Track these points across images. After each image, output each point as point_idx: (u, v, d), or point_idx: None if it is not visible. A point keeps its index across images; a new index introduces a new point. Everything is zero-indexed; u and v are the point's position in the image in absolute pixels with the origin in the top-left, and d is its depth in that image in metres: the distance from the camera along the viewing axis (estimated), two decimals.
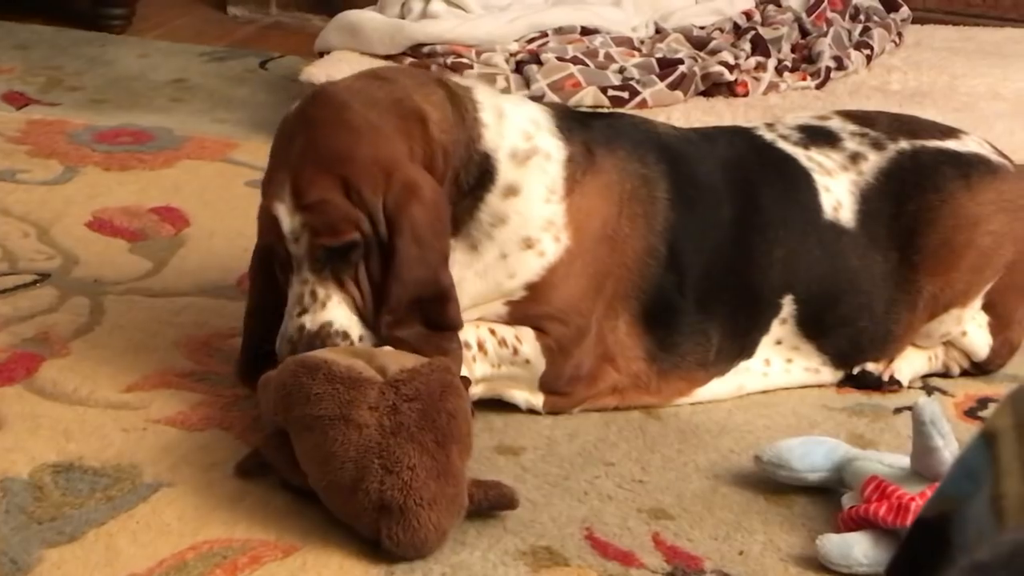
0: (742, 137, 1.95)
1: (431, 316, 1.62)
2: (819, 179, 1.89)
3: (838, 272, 1.86)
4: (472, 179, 1.69)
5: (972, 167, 1.92)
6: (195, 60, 3.34)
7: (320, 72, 2.65)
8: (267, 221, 1.63)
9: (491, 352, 1.71)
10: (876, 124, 1.98)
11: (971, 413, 1.84)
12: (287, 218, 1.60)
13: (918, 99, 2.79)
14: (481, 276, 1.71)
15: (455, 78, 1.78)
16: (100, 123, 2.79)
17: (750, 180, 1.87)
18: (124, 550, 1.40)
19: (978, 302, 1.90)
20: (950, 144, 1.95)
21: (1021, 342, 1.96)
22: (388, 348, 1.58)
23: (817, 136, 1.95)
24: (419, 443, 1.43)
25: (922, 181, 1.89)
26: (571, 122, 1.80)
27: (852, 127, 1.97)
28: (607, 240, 1.75)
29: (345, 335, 1.60)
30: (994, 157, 1.97)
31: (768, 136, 1.95)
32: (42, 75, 3.16)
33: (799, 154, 1.92)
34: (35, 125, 2.76)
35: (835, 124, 1.99)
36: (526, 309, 1.72)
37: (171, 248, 2.20)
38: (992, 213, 1.88)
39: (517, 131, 1.73)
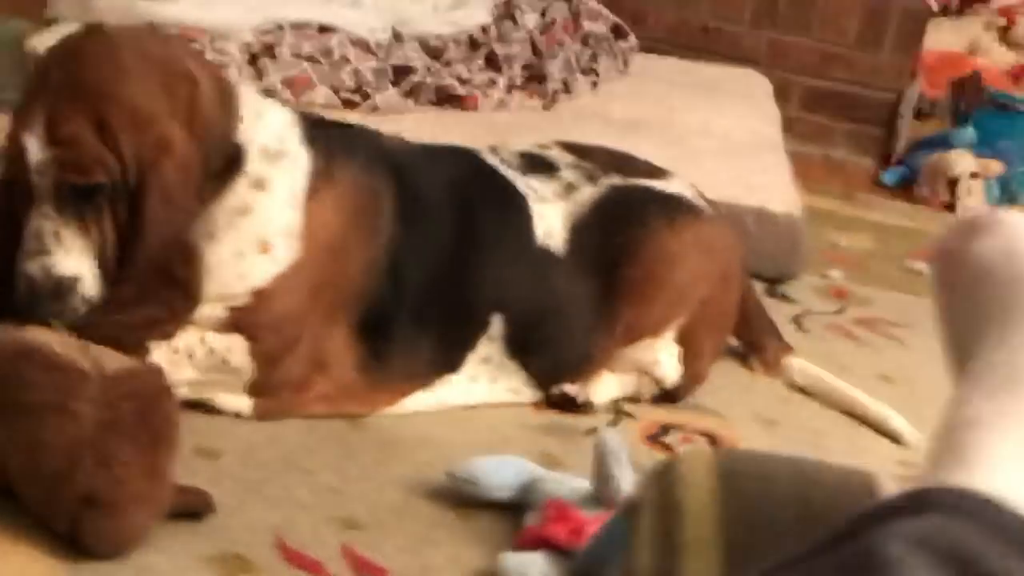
0: (467, 159, 2.02)
1: (173, 279, 1.62)
2: (535, 206, 1.97)
3: (545, 295, 1.95)
4: (221, 164, 1.69)
5: (676, 208, 2.04)
6: None
7: (49, 43, 2.57)
8: (14, 151, 1.59)
9: (199, 359, 1.71)
10: (593, 157, 2.09)
11: (654, 438, 1.96)
12: (36, 150, 1.57)
13: (637, 129, 2.92)
14: (212, 270, 1.70)
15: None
16: None
17: (471, 201, 1.94)
18: None
19: (671, 334, 2.02)
20: (658, 184, 2.08)
21: (707, 374, 2.10)
22: (104, 348, 1.57)
23: (537, 164, 2.04)
24: (134, 441, 1.43)
25: (629, 216, 2.00)
26: (316, 131, 1.83)
27: (570, 158, 2.07)
28: (334, 251, 1.78)
29: (82, 287, 1.59)
30: (697, 200, 2.10)
31: (491, 160, 2.02)
32: None
33: (518, 180, 2.00)
34: None
35: (554, 154, 2.08)
36: (246, 316, 1.73)
37: None
38: (690, 252, 2.01)
39: (271, 133, 1.75)
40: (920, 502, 0.54)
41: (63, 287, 1.59)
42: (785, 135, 3.24)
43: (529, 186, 2.00)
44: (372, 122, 2.62)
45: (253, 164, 1.73)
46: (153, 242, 1.60)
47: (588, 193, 2.01)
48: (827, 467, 0.80)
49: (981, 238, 0.70)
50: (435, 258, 1.88)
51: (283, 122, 1.79)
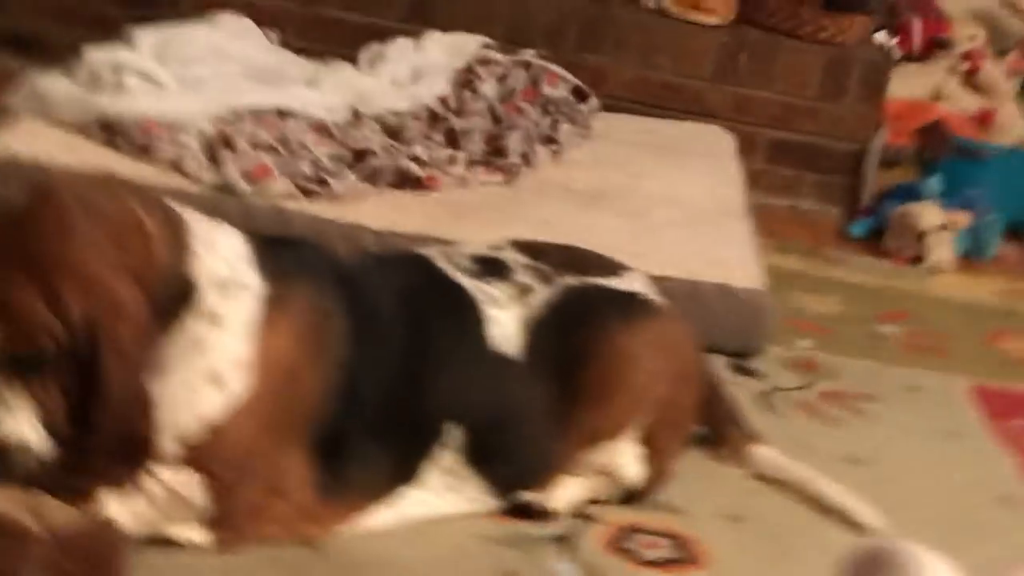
0: (418, 266, 2.01)
1: (131, 434, 1.61)
2: (489, 311, 1.97)
3: (502, 402, 1.95)
4: (173, 302, 1.68)
5: (631, 307, 2.04)
6: None
7: (15, 142, 2.58)
8: None
9: (154, 496, 1.70)
10: (547, 257, 2.08)
11: (616, 545, 1.95)
12: None
13: (599, 200, 2.92)
14: (164, 405, 1.68)
15: (171, 203, 1.76)
16: None
17: (423, 310, 1.93)
18: None
19: (632, 434, 2.01)
20: (613, 282, 2.07)
21: (672, 472, 2.09)
22: (53, 500, 1.56)
23: (490, 267, 2.03)
24: None
25: (585, 318, 2.00)
26: (267, 254, 1.81)
27: (524, 259, 2.06)
28: (288, 377, 1.77)
29: (29, 450, 1.57)
30: (653, 297, 2.09)
31: (443, 265, 2.01)
32: None
33: (471, 285, 1.99)
34: None
35: (508, 255, 2.07)
36: (200, 452, 1.71)
37: None
38: (648, 352, 2.00)
39: (223, 262, 1.74)
40: None
41: (7, 448, 1.57)
42: (752, 188, 3.24)
43: (483, 291, 1.99)
44: (332, 209, 2.64)
45: (206, 298, 1.71)
46: (114, 403, 1.58)
47: (543, 295, 2.00)
48: None
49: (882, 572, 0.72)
50: (389, 371, 1.87)
51: (234, 249, 1.78)
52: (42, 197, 1.61)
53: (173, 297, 1.68)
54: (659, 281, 2.21)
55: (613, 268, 2.12)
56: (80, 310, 1.56)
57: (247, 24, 3.26)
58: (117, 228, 1.62)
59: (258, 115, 2.85)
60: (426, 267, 2.01)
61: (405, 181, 2.78)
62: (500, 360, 1.95)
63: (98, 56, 2.85)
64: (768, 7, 3.70)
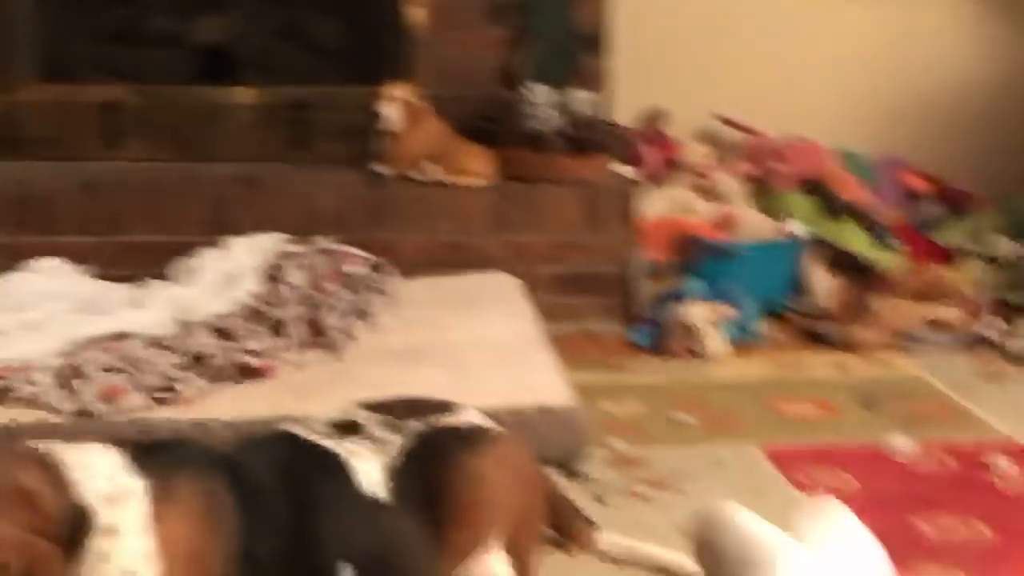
0: (285, 439, 2.32)
1: None
2: (355, 464, 2.29)
3: (384, 539, 2.26)
4: (76, 532, 1.95)
5: (472, 437, 2.39)
6: None
7: None
8: None
9: None
10: (391, 410, 2.43)
11: None
12: None
13: (417, 357, 3.28)
14: None
15: (37, 444, 2.02)
16: None
17: (299, 476, 2.24)
18: None
19: (498, 545, 2.36)
20: (452, 419, 2.43)
21: (537, 570, 2.44)
22: None
23: (346, 429, 2.36)
24: None
25: (436, 455, 2.34)
26: (143, 458, 2.09)
27: (373, 416, 2.40)
28: (191, 557, 2.04)
29: None
30: (488, 424, 2.46)
31: (305, 434, 2.34)
32: None
33: (334, 446, 2.32)
34: None
35: (358, 415, 2.41)
36: None
37: None
38: (493, 471, 2.35)
39: (104, 478, 2.01)
40: None
41: None
42: (544, 320, 3.65)
43: (345, 448, 2.32)
44: (185, 412, 2.92)
45: (100, 516, 1.97)
46: None
47: (396, 443, 2.34)
48: None
49: (712, 528, 1.03)
50: (279, 533, 2.16)
51: (109, 464, 2.03)
52: None
53: (74, 528, 1.93)
54: (490, 418, 2.57)
55: (448, 407, 2.48)
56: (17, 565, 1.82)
57: (62, 264, 3.54)
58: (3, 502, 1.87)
59: (97, 342, 3.12)
60: (291, 439, 2.33)
61: (245, 373, 3.09)
62: (374, 505, 2.27)
63: None
64: (521, 162, 4.17)
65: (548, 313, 3.93)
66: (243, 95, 4.39)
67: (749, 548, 0.92)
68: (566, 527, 2.59)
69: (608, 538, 2.57)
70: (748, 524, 0.98)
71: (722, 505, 0.99)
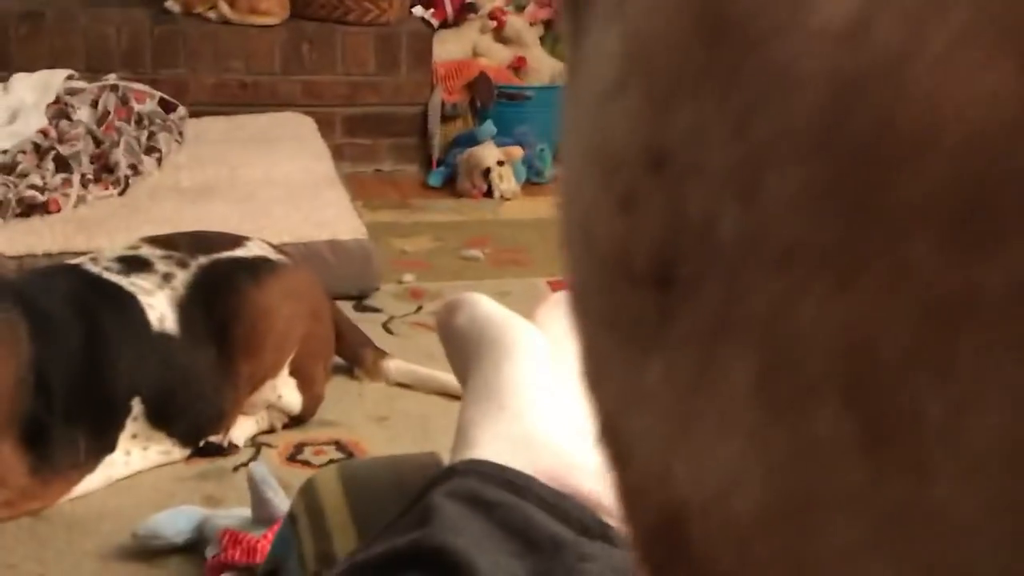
0: (75, 274, 2.35)
1: None
2: (143, 299, 2.33)
3: (172, 371, 2.32)
4: None
5: (259, 268, 2.45)
6: None
7: None
8: None
9: None
10: (179, 246, 2.46)
11: (292, 458, 2.37)
12: None
13: (207, 194, 3.29)
14: None
15: None
16: None
17: (89, 308, 2.27)
18: None
19: (285, 371, 2.44)
20: (238, 252, 2.48)
21: (324, 393, 2.53)
22: None
23: (133, 264, 2.39)
24: None
25: (222, 287, 2.39)
26: None
27: (159, 251, 2.43)
28: None
29: None
30: (274, 256, 2.51)
31: (95, 269, 2.35)
32: None
33: (123, 281, 2.34)
34: None
35: (145, 252, 2.44)
36: None
37: None
38: (280, 302, 2.43)
39: None
40: (452, 471, 0.96)
41: None
42: (337, 161, 3.69)
43: (133, 284, 2.35)
44: None
45: None
46: None
47: (182, 277, 2.39)
48: (412, 456, 1.23)
49: (456, 313, 1.10)
50: (72, 364, 2.20)
51: None
52: None
53: None
54: (277, 250, 2.62)
55: (236, 241, 2.53)
56: None
57: None
58: None
59: None
60: (82, 273, 2.35)
61: (30, 209, 3.06)
62: (163, 338, 2.32)
63: None
64: (315, 2, 4.14)
65: (343, 154, 3.97)
66: None
67: (490, 330, 0.99)
68: (354, 353, 2.68)
69: (395, 364, 2.67)
70: (490, 309, 1.06)
71: (466, 294, 1.05)
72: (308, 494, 1.08)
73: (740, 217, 0.19)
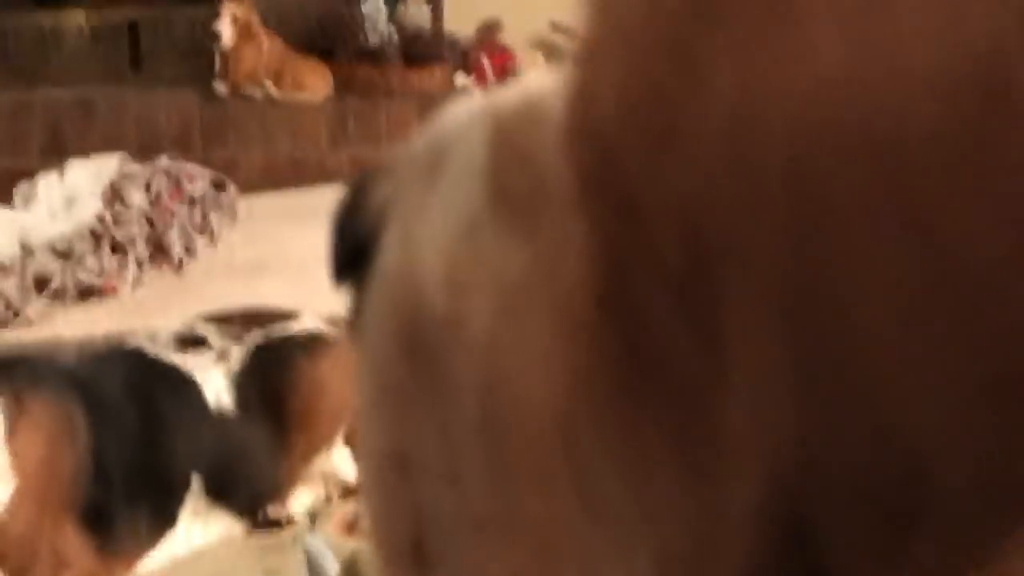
0: (132, 356, 2.40)
1: None
2: (199, 375, 2.39)
3: (229, 447, 2.37)
4: None
5: (311, 344, 2.50)
6: None
7: None
8: None
9: None
10: (232, 321, 2.52)
11: (350, 528, 2.41)
12: None
13: (259, 270, 3.36)
14: None
15: None
16: None
17: (146, 391, 2.33)
18: None
19: (339, 441, 2.48)
20: (291, 326, 2.53)
21: None
22: None
23: (189, 341, 2.45)
24: None
25: (277, 363, 2.45)
26: None
27: (214, 328, 2.50)
28: (46, 470, 2.14)
29: None
30: (326, 329, 2.57)
31: (152, 350, 2.42)
32: None
33: (179, 360, 2.40)
34: None
35: (201, 328, 2.50)
36: None
37: None
38: (332, 376, 2.47)
39: None
40: None
41: None
42: None
43: (190, 362, 2.41)
44: (31, 333, 2.97)
45: None
46: None
47: (238, 353, 2.44)
48: None
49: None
50: (131, 445, 2.26)
51: None
52: None
53: None
54: (329, 322, 2.67)
55: (288, 315, 2.58)
56: None
57: None
58: None
59: None
60: (139, 355, 2.41)
61: (87, 293, 3.15)
62: (219, 414, 2.37)
63: None
64: (358, 76, 4.23)
65: None
66: (73, 17, 4.36)
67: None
68: None
69: None
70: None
71: None
72: (349, 563, 1.13)
73: (453, 499, 0.24)
